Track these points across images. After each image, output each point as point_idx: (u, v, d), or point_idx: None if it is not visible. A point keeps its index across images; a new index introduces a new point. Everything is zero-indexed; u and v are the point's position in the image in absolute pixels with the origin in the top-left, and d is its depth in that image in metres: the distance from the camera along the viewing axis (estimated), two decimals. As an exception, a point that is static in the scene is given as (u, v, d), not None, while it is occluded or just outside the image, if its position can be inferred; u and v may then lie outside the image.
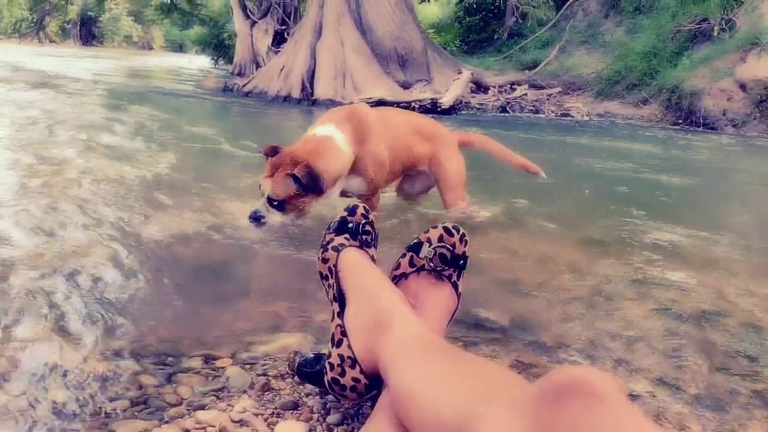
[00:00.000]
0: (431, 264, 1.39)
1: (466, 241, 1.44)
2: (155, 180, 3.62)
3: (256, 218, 2.59)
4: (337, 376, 1.22)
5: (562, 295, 2.28)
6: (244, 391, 1.41)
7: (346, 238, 1.42)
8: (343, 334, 1.25)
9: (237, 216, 2.90)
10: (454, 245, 1.41)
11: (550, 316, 2.08)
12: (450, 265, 1.40)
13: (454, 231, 1.43)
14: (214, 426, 1.25)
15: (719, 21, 12.39)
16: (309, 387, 1.43)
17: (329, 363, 1.24)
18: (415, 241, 1.45)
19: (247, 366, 1.54)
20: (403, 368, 1.07)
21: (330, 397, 1.37)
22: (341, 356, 1.23)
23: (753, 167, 7.11)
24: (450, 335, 1.63)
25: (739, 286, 2.50)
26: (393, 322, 1.19)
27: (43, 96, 8.33)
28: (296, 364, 1.38)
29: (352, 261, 1.37)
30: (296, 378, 1.46)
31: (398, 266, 1.44)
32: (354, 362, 1.21)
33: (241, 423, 1.27)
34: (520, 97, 12.76)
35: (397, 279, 1.42)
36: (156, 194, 3.25)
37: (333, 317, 1.32)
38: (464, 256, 1.43)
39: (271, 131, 7.52)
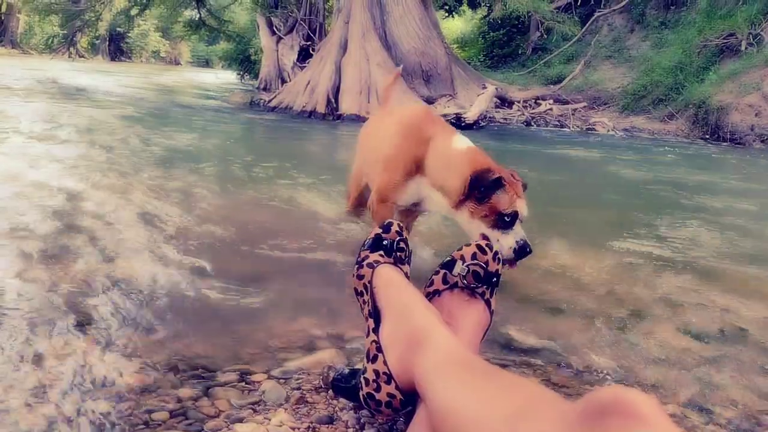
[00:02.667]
0: (464, 281, 1.41)
1: (499, 260, 1.47)
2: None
3: (528, 247, 2.17)
4: (373, 392, 1.24)
5: (590, 313, 2.29)
6: (280, 405, 1.44)
7: (380, 255, 1.45)
8: (379, 349, 1.27)
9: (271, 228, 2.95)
10: (487, 263, 1.44)
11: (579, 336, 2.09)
12: (483, 282, 1.43)
13: (487, 249, 1.46)
14: (252, 439, 1.28)
15: (746, 36, 12.29)
16: (343, 401, 1.45)
17: (364, 378, 1.27)
18: (449, 258, 1.47)
19: (282, 380, 1.57)
20: (441, 385, 1.09)
21: (364, 411, 1.39)
22: (376, 372, 1.25)
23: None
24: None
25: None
26: (428, 338, 1.21)
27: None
28: (331, 379, 1.40)
29: (387, 277, 1.40)
30: (331, 392, 1.49)
31: (431, 283, 1.47)
32: (389, 378, 1.23)
33: (279, 437, 1.30)
34: (544, 111, 12.74)
35: (431, 296, 1.45)
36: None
37: (368, 333, 1.34)
38: (497, 274, 1.45)
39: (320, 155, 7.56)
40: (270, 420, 1.36)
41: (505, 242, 2.15)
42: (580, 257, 2.99)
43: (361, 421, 1.38)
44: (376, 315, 1.35)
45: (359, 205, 3.08)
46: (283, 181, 4.43)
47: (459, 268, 1.42)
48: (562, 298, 2.42)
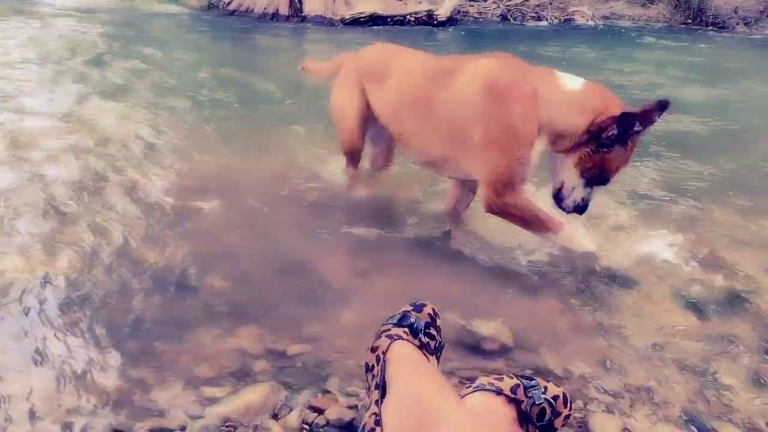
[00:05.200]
0: (530, 410, 1.17)
1: (567, 418, 1.23)
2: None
3: (586, 208, 2.17)
4: None
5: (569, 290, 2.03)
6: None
7: (405, 332, 1.23)
8: (377, 423, 1.06)
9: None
10: (559, 414, 1.20)
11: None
12: (538, 424, 1.19)
13: (569, 404, 1.23)
14: None
15: None
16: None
17: None
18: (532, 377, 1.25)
19: (202, 442, 1.31)
20: None
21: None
22: None
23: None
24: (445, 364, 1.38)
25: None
26: (445, 420, 1.02)
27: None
28: None
29: (405, 353, 1.18)
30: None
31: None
32: None
33: None
34: (521, 3, 12.06)
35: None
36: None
37: (369, 406, 1.13)
38: (552, 428, 1.21)
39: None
40: None
41: (578, 194, 2.12)
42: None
43: None
44: (383, 388, 1.13)
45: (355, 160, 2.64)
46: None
47: (537, 394, 1.18)
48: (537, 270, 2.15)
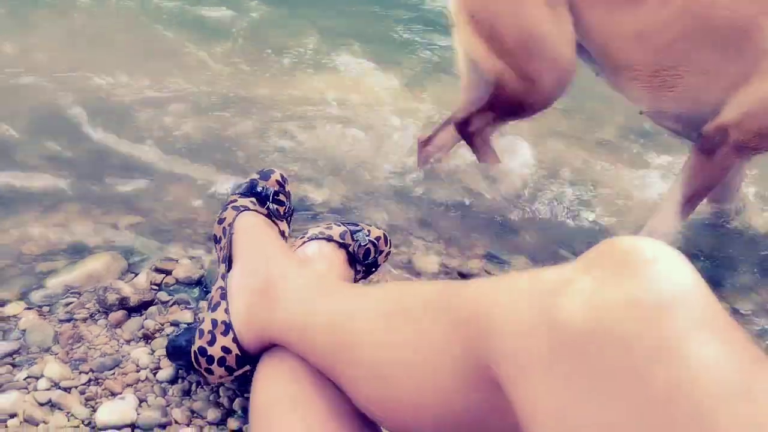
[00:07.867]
0: (356, 251, 1.26)
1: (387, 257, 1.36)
2: None
3: None
4: (206, 345, 1.04)
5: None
6: (48, 349, 1.18)
7: (252, 202, 1.25)
8: (223, 297, 1.08)
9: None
10: (381, 252, 1.32)
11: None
12: (364, 263, 1.30)
13: (390, 242, 1.35)
14: (16, 415, 1.02)
15: None
16: (129, 332, 1.24)
17: (200, 330, 1.07)
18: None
19: (46, 309, 1.28)
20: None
21: (161, 351, 1.20)
22: (214, 321, 1.05)
23: None
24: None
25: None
26: (282, 287, 1.04)
27: None
28: (168, 344, 1.19)
29: (252, 224, 1.20)
30: (111, 319, 1.27)
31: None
32: (228, 328, 1.03)
33: (52, 405, 1.06)
34: None
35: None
36: None
37: (216, 280, 1.15)
38: (376, 266, 1.35)
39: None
40: (37, 380, 1.10)
41: None
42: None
43: (157, 357, 1.18)
44: (229, 261, 1.15)
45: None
46: None
47: (362, 237, 1.27)
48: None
